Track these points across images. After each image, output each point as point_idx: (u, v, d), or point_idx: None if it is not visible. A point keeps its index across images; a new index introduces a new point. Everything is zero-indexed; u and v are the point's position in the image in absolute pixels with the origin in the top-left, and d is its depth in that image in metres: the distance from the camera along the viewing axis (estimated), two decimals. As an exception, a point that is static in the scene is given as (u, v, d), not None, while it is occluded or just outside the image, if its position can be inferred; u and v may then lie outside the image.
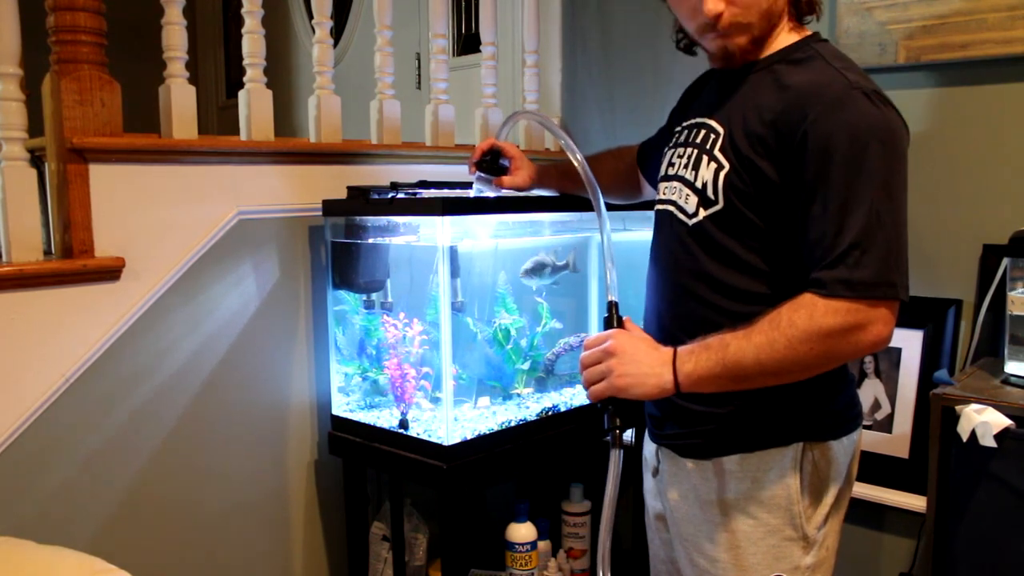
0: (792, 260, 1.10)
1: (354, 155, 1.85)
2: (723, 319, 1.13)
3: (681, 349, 1.12)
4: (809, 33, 1.19)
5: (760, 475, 1.17)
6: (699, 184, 1.16)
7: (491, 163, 1.50)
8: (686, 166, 1.20)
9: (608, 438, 1.17)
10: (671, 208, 1.22)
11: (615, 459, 1.18)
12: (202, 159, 1.59)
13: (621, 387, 1.13)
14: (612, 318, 1.20)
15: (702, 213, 1.16)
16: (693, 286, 1.19)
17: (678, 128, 1.28)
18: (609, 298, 1.21)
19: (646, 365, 1.12)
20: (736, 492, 1.19)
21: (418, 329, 1.60)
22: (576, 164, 1.30)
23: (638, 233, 1.82)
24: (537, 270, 1.73)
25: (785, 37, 1.17)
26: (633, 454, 1.95)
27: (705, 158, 1.16)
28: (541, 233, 1.79)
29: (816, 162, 1.04)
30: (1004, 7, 1.63)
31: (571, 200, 1.61)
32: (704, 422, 1.21)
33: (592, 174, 1.29)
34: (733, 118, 1.15)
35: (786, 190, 1.08)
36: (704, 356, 1.09)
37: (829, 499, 1.19)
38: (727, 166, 1.13)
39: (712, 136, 1.17)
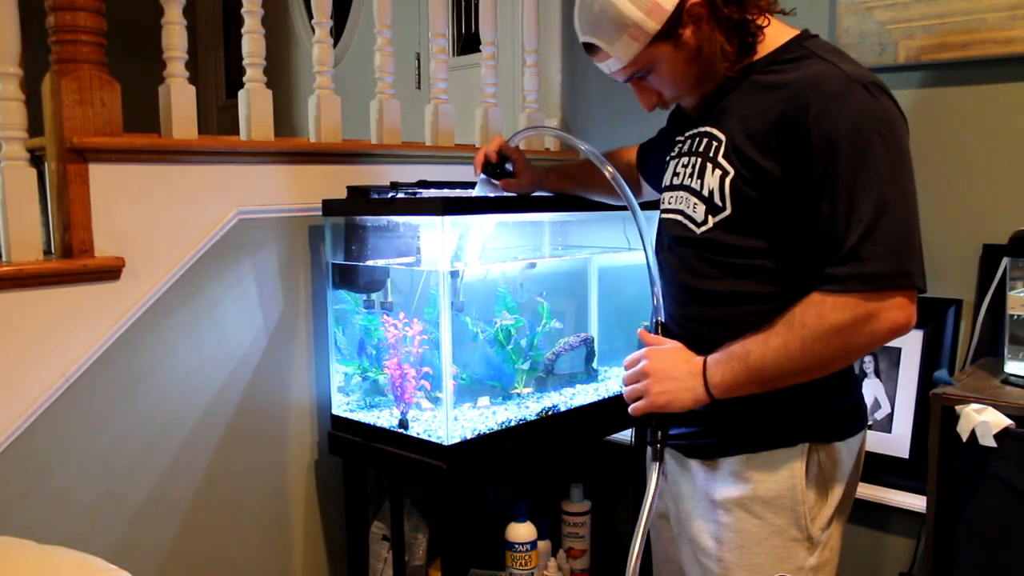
0: (801, 259, 1.11)
1: (354, 155, 1.85)
2: (735, 318, 1.14)
3: (710, 360, 1.14)
4: (798, 32, 1.19)
5: (765, 476, 1.17)
6: (706, 192, 1.16)
7: (497, 167, 1.51)
8: (691, 175, 1.20)
9: (649, 452, 1.22)
10: (678, 216, 1.23)
11: (656, 472, 1.21)
12: (202, 159, 1.59)
13: (661, 404, 1.17)
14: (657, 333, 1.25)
15: (711, 220, 1.16)
16: (703, 291, 1.19)
17: (680, 138, 1.29)
18: (656, 319, 1.26)
19: (680, 381, 1.15)
20: (741, 492, 1.19)
21: (418, 329, 1.60)
22: (607, 175, 1.36)
23: (639, 253, 1.83)
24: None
25: (773, 41, 1.17)
26: (636, 454, 1.95)
27: (709, 166, 1.16)
28: (541, 252, 1.80)
29: (821, 159, 1.05)
30: (1004, 7, 1.63)
31: (570, 200, 1.62)
32: (710, 423, 1.21)
33: (625, 185, 1.34)
34: (733, 124, 1.15)
35: (792, 188, 1.09)
36: (729, 366, 1.11)
37: (834, 500, 1.20)
38: (732, 171, 1.13)
39: (714, 144, 1.17)
